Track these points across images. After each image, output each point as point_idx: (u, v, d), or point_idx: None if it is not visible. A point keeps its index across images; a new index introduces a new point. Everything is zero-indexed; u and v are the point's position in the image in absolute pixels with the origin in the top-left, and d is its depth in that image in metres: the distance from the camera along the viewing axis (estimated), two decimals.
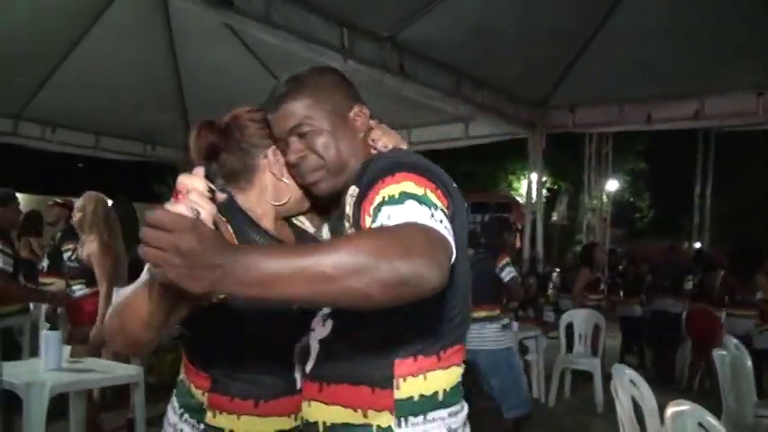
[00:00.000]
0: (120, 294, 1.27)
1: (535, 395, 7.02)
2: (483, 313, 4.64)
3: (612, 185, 18.20)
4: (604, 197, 16.70)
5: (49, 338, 3.58)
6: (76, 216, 4.61)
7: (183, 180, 1.07)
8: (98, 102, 7.69)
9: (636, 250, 14.25)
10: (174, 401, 1.63)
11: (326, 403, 1.45)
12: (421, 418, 1.40)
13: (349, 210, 1.41)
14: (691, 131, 12.36)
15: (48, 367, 3.49)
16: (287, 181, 1.60)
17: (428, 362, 1.42)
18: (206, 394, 1.55)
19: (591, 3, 6.26)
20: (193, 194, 1.05)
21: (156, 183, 17.07)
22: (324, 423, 1.45)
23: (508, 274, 4.89)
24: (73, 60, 7.15)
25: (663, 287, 8.77)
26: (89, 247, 4.54)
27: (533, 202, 8.43)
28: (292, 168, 1.54)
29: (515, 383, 4.85)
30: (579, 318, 7.12)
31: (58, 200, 5.71)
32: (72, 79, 7.30)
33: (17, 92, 7.30)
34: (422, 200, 1.25)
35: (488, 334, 4.71)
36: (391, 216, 1.22)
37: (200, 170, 1.10)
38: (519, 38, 6.25)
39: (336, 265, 1.05)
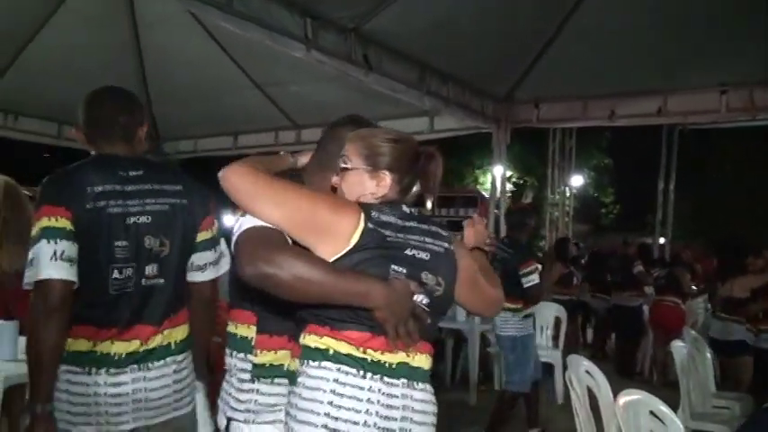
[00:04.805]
0: None
1: (496, 387, 7.09)
2: (508, 305, 5.10)
3: (576, 181, 18.36)
4: (567, 192, 16.83)
5: (3, 329, 3.49)
6: None
7: None
8: (61, 90, 7.49)
9: (599, 245, 14.45)
10: None
11: None
12: None
13: None
14: (654, 128, 12.50)
15: (2, 358, 3.40)
16: None
17: None
18: None
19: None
20: None
21: None
22: None
23: (529, 282, 5.26)
24: (35, 47, 6.99)
25: (616, 282, 8.93)
26: None
27: (497, 196, 8.45)
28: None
29: (521, 364, 5.47)
30: (541, 311, 7.20)
31: (27, 192, 5.59)
32: (34, 66, 7.14)
33: None
34: None
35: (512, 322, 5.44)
36: None
37: None
38: (483, 32, 6.24)
39: None
